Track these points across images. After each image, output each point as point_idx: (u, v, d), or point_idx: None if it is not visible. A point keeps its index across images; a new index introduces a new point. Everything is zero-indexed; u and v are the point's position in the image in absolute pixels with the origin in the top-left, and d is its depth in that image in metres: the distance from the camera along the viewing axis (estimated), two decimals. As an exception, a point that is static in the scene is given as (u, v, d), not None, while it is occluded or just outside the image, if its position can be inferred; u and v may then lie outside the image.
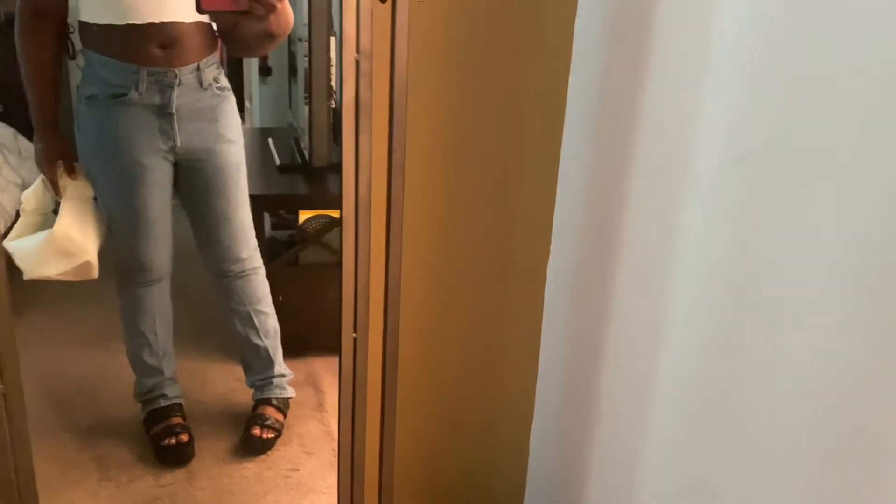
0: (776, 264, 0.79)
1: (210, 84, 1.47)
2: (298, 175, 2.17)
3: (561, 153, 1.22)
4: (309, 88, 1.95)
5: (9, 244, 1.42)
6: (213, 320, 1.94)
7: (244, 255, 1.65)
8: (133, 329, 1.69)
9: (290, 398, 1.79)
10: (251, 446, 1.73)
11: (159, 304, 1.67)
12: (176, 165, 1.55)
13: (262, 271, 1.70)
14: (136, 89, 1.41)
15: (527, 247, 1.38)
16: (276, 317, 1.75)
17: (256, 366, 1.77)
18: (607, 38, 1.14)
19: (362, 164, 1.13)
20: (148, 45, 1.38)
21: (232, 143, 1.55)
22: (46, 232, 1.45)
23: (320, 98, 1.95)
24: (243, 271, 1.67)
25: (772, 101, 0.81)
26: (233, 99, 1.55)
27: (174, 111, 1.44)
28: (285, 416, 1.79)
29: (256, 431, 1.72)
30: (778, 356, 0.78)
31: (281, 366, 1.77)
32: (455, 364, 1.44)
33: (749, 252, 0.83)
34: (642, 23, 1.06)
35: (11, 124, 1.93)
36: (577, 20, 1.16)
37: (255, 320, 1.70)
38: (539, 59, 1.32)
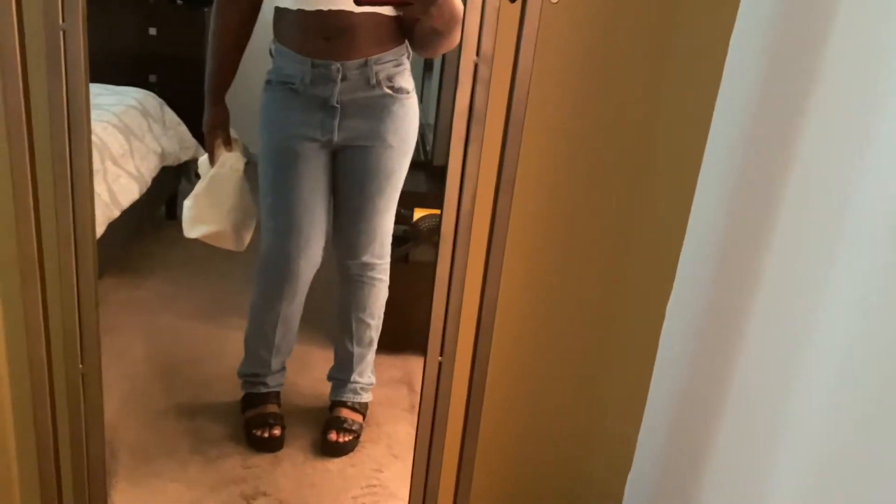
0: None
1: (380, 82, 1.43)
2: (419, 172, 2.12)
3: (695, 193, 1.07)
4: (439, 86, 1.91)
5: (185, 202, 1.52)
6: (322, 306, 1.93)
7: (365, 259, 1.61)
8: (257, 321, 1.69)
9: (367, 402, 1.73)
10: (328, 450, 1.69)
11: (286, 308, 1.65)
12: (334, 160, 1.54)
13: (384, 284, 1.64)
14: (302, 80, 1.42)
15: (641, 282, 1.25)
16: (378, 328, 1.69)
17: (340, 365, 1.74)
18: (762, 50, 0.99)
19: (468, 177, 1.04)
20: (314, 35, 1.38)
21: (390, 147, 1.51)
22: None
23: (449, 98, 1.90)
24: (361, 276, 1.63)
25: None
26: (410, 102, 1.50)
27: (336, 105, 1.43)
28: (364, 415, 1.73)
29: (333, 436, 1.68)
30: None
31: (364, 374, 1.72)
32: (544, 402, 1.33)
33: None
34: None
35: (161, 95, 2.00)
36: (734, 38, 1.01)
37: (353, 326, 1.66)
38: (678, 79, 1.18)
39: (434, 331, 1.08)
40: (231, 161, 1.50)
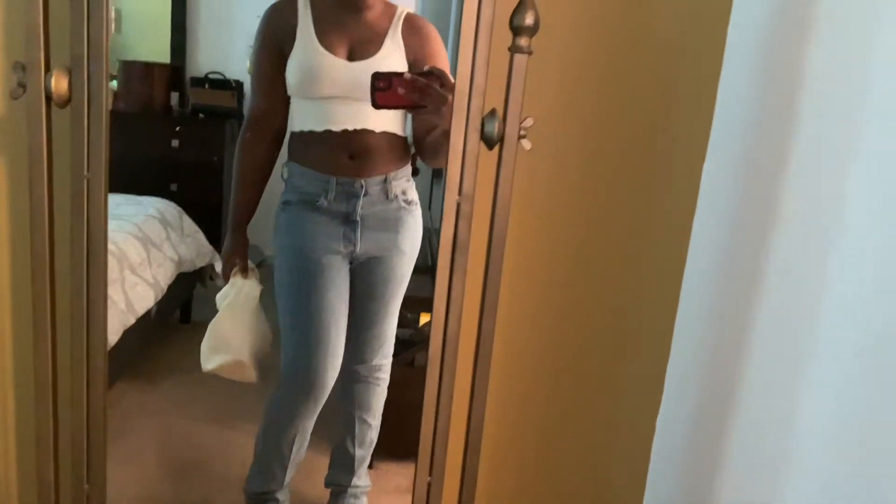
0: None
1: (396, 196, 1.52)
2: (426, 277, 2.16)
3: (677, 318, 1.12)
4: (442, 195, 1.96)
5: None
6: (326, 412, 1.93)
7: (375, 361, 1.64)
8: (270, 434, 1.67)
9: None
10: None
11: (306, 422, 1.65)
12: (351, 270, 1.58)
13: (386, 384, 1.67)
14: (326, 197, 1.48)
15: (632, 403, 1.28)
16: (378, 429, 1.70)
17: (338, 469, 1.73)
18: (732, 211, 1.04)
19: (454, 302, 1.11)
20: (340, 153, 1.45)
21: (404, 255, 1.58)
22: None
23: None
24: (368, 377, 1.66)
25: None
26: (418, 213, 1.58)
27: (358, 219, 1.50)
28: None
29: None
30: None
31: (362, 478, 1.71)
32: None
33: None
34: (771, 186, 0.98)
35: (180, 203, 2.05)
36: (702, 188, 1.07)
37: (357, 427, 1.67)
38: (652, 214, 1.26)
39: (423, 451, 1.12)
40: (247, 288, 1.53)
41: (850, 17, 0.90)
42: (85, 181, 1.02)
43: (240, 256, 1.54)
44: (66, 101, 1.01)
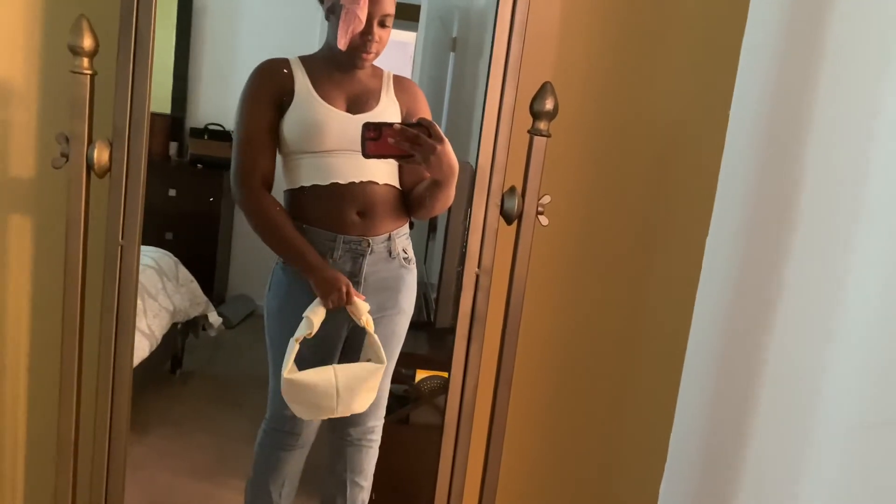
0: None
1: (398, 254, 1.52)
2: (422, 332, 2.16)
3: (680, 389, 1.17)
4: (443, 252, 1.97)
5: (294, 377, 1.40)
6: (318, 469, 1.92)
7: (370, 423, 1.63)
8: (260, 485, 1.65)
9: None
10: None
11: (294, 469, 1.65)
12: (350, 329, 1.55)
13: (377, 445, 1.65)
14: (332, 256, 1.46)
15: (637, 479, 1.31)
16: (369, 490, 1.72)
17: None
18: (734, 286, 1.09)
19: (470, 371, 1.14)
20: (348, 210, 1.44)
21: (404, 313, 1.57)
22: (363, 365, 1.44)
23: (452, 262, 1.98)
24: (361, 440, 1.65)
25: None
26: (415, 271, 1.57)
27: (362, 280, 1.50)
28: None
29: None
30: None
31: None
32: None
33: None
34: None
35: (175, 252, 2.05)
36: (706, 257, 1.12)
37: (348, 490, 1.64)
38: (659, 294, 1.31)
39: (436, 515, 1.15)
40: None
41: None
42: (119, 248, 1.05)
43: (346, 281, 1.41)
44: (106, 171, 1.05)
